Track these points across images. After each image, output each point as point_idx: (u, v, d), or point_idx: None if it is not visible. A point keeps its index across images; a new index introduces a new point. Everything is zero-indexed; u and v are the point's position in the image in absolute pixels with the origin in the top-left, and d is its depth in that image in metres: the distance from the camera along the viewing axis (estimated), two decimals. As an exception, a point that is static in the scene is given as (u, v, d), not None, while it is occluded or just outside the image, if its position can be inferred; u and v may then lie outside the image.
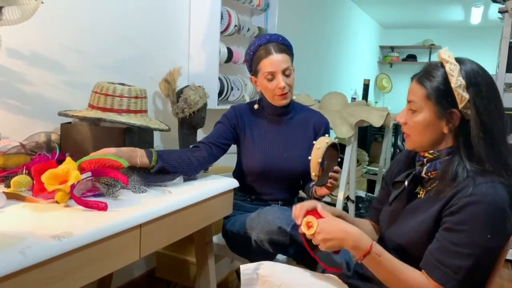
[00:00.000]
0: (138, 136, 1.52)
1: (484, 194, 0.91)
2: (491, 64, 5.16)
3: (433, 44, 7.01)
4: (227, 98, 2.56)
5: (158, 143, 2.14)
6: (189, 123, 2.07)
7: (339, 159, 1.40)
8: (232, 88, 2.58)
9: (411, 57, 7.25)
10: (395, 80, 7.14)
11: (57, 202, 1.12)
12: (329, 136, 1.40)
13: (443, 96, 0.99)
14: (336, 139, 3.00)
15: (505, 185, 0.95)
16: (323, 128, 1.66)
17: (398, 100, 7.07)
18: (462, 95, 0.97)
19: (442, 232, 0.96)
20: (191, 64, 2.38)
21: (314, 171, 1.32)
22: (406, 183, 1.11)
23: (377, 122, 2.65)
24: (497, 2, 2.84)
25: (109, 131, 1.45)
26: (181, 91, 2.05)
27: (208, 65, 2.35)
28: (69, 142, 1.48)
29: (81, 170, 1.18)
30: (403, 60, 7.32)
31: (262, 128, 1.64)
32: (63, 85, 1.67)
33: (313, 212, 1.09)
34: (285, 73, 1.52)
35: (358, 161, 3.53)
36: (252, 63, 1.57)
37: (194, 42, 2.35)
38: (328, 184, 1.37)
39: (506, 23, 2.77)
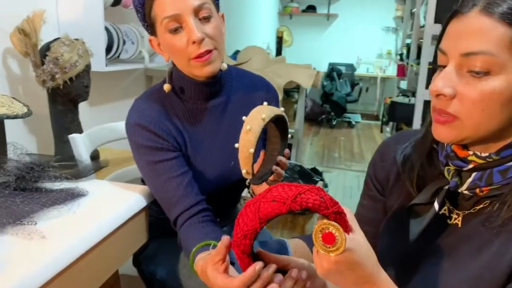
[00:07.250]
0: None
1: None
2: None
3: (332, -6, 6.84)
4: (118, 56, 1.92)
5: (14, 136, 1.29)
6: (65, 95, 1.41)
7: (288, 136, 0.92)
8: (124, 42, 1.95)
9: (311, 8, 7.00)
10: (296, 33, 6.86)
11: None
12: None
13: None
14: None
15: None
16: (274, 104, 1.01)
17: (300, 54, 6.84)
18: None
19: None
20: (60, 7, 1.66)
21: (245, 167, 0.80)
22: (436, 206, 0.68)
23: (306, 83, 2.26)
24: None
25: None
26: (47, 48, 1.37)
27: (87, 9, 1.68)
28: None
29: None
30: (303, 11, 7.04)
31: (192, 128, 1.01)
32: None
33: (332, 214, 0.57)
34: (200, 15, 0.90)
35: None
36: (144, 7, 0.92)
37: (64, -26, 1.63)
38: (271, 179, 0.87)
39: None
